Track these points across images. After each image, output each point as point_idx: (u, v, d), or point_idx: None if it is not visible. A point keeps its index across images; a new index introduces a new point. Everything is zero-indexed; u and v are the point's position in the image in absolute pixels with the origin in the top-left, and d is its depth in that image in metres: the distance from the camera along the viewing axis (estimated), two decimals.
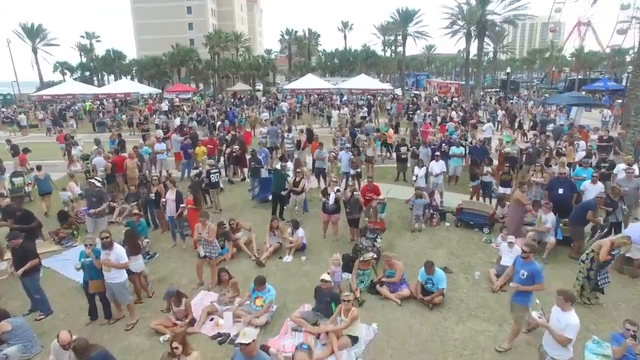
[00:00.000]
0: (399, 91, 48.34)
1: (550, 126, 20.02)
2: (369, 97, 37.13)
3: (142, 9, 70.90)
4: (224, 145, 15.84)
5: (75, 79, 53.00)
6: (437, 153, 12.43)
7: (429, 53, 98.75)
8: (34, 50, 51.82)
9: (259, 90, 56.85)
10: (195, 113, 25.67)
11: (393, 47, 61.93)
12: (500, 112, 25.35)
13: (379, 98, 37.77)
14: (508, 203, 11.11)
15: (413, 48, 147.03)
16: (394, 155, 17.90)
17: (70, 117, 28.08)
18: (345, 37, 64.62)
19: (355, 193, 9.78)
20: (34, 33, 51.27)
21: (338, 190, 9.67)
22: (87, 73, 55.54)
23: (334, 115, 25.45)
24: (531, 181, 11.06)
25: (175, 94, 43.53)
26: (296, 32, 61.28)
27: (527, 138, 22.15)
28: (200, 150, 15.15)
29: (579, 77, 56.54)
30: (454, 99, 40.97)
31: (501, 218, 10.78)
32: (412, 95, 52.78)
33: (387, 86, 45.75)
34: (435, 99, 39.29)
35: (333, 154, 12.02)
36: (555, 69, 62.65)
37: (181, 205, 9.36)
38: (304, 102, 35.42)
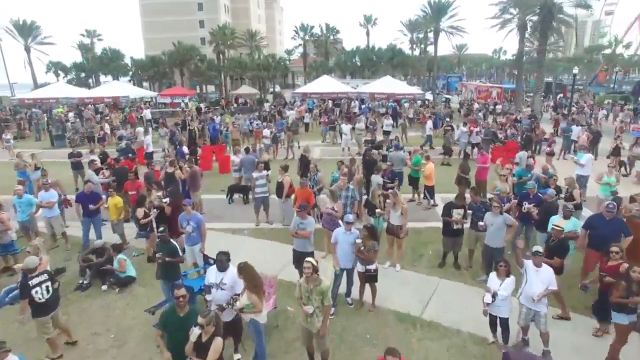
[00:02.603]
0: (429, 96, 41.43)
1: None
2: (393, 103, 30.56)
3: (150, 6, 66.46)
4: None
5: (69, 81, 48.48)
6: (538, 249, 5.79)
7: (460, 53, 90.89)
8: (27, 50, 47.52)
9: (271, 93, 50.82)
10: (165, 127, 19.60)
11: (422, 45, 54.84)
12: (577, 129, 18.38)
13: (406, 104, 31.14)
14: None
15: (442, 47, 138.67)
16: (430, 203, 11.61)
17: (7, 130, 22.68)
18: (368, 33, 58.02)
19: None
20: (26, 31, 46.96)
21: None
22: (83, 74, 50.89)
23: (346, 130, 19.08)
24: None
25: (170, 97, 38.08)
26: (312, 27, 55.02)
27: (626, 171, 15.23)
28: (112, 203, 9.11)
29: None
30: (497, 106, 33.93)
31: None
32: (444, 100, 46.01)
33: (415, 90, 39.04)
34: (476, 105, 32.31)
35: (310, 269, 5.29)
36: (618, 69, 53.42)
37: None
38: (315, 110, 29.05)
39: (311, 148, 18.98)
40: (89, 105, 33.91)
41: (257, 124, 21.75)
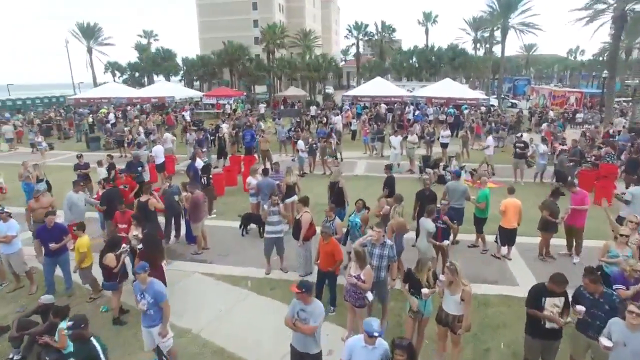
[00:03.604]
0: (494, 100, 37.08)
1: None
2: (453, 109, 27.02)
3: (206, 7, 67.10)
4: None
5: (124, 80, 49.51)
6: None
7: (529, 54, 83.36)
8: (89, 51, 49.11)
9: (322, 95, 48.41)
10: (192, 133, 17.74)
11: (487, 45, 49.92)
12: None
13: (466, 111, 27.48)
14: None
15: (508, 47, 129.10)
16: (501, 251, 8.64)
17: (37, 132, 22.21)
18: (427, 32, 53.93)
19: None
20: (89, 32, 48.48)
21: None
22: (137, 74, 51.81)
23: (395, 142, 16.19)
24: None
25: (216, 98, 37.05)
26: (366, 25, 51.96)
27: None
28: (80, 244, 7.07)
29: None
30: (576, 115, 29.18)
31: None
32: (510, 106, 41.30)
33: (478, 94, 34.98)
34: (551, 114, 27.85)
35: None
36: None
37: None
38: (363, 116, 26.17)
39: (355, 164, 16.40)
40: (136, 106, 33.73)
41: (293, 132, 19.54)
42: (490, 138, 16.64)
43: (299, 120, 22.58)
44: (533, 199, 12.53)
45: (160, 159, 14.71)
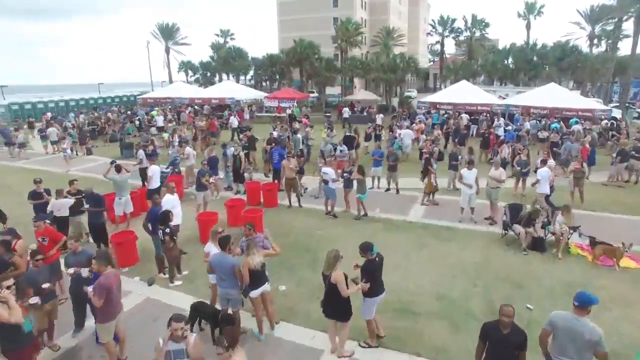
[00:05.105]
0: (616, 112, 29.05)
1: None
2: (559, 124, 20.70)
3: (287, 4, 65.31)
4: None
5: (196, 80, 49.34)
6: None
7: None
8: (167, 50, 49.85)
9: (410, 98, 42.57)
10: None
11: (610, 41, 40.50)
12: None
13: (577, 127, 20.84)
14: None
15: (628, 44, 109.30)
16: None
17: (64, 139, 20.61)
18: (528, 26, 45.41)
19: None
20: (167, 33, 49.14)
21: None
22: (208, 73, 51.39)
23: (469, 177, 11.16)
24: None
25: (277, 101, 34.23)
26: (453, 20, 45.39)
27: None
28: None
29: None
30: None
31: None
32: (636, 117, 32.58)
33: (594, 103, 27.49)
34: None
35: None
36: None
37: None
38: (436, 132, 20.77)
39: (413, 201, 10.90)
40: (190, 107, 32.28)
41: (340, 150, 15.47)
42: (544, 169, 11.09)
43: (350, 133, 18.29)
44: None
45: (155, 182, 11.67)
